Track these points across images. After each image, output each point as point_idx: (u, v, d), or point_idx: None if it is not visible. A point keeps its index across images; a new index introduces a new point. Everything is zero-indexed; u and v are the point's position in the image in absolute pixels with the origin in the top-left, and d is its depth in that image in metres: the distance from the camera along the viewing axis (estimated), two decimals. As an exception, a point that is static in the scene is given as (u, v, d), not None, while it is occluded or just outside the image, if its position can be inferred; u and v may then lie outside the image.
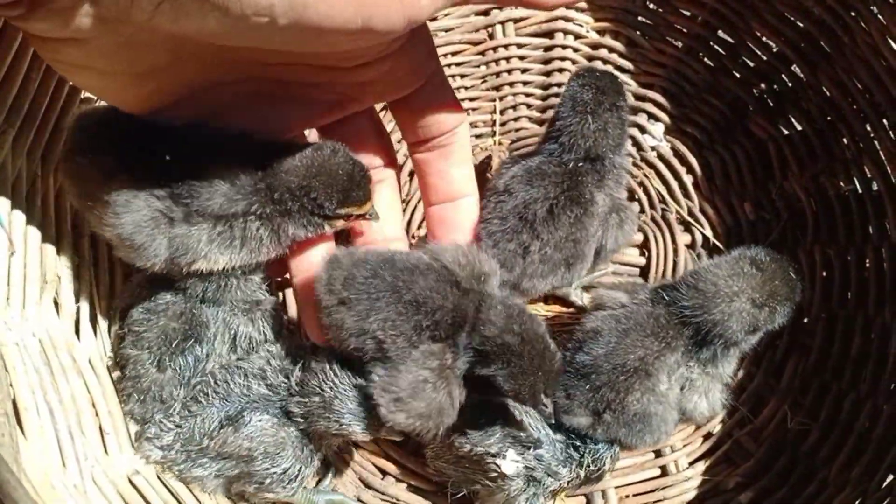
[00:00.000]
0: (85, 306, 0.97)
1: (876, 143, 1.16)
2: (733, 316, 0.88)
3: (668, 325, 0.91)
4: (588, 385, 0.91)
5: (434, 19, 1.34)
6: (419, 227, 1.25)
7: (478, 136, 1.31)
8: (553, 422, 0.92)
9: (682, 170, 1.26)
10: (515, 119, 1.33)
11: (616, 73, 1.17)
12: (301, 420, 0.92)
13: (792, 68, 1.26)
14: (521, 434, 0.94)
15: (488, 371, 0.85)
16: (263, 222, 0.87)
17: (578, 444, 0.96)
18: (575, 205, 0.98)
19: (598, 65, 1.31)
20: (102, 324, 0.99)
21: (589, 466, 0.96)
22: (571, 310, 1.16)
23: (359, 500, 1.08)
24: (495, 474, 0.94)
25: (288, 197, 0.85)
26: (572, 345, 0.95)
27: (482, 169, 1.27)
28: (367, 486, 1.10)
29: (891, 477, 1.01)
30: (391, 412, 0.81)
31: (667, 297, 0.93)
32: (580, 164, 0.99)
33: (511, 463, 0.94)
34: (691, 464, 1.13)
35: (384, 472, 1.12)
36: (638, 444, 0.94)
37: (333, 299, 0.84)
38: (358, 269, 0.84)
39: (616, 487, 1.10)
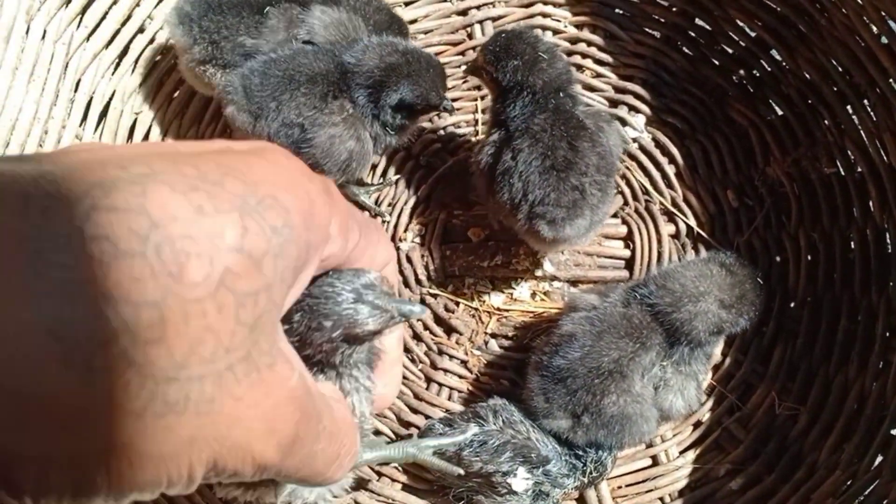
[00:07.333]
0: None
1: (857, 124, 1.16)
2: (699, 316, 0.90)
3: (642, 325, 0.92)
4: (565, 389, 0.93)
5: (413, 21, 1.34)
6: (405, 230, 1.27)
7: (461, 136, 1.32)
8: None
9: (664, 160, 1.26)
10: (498, 117, 1.32)
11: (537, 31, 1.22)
12: None
13: (770, 53, 1.25)
14: (532, 454, 0.97)
15: (396, 97, 1.03)
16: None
17: (581, 452, 0.99)
18: (581, 129, 1.01)
19: (577, 59, 1.31)
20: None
21: (592, 473, 0.99)
22: (556, 307, 1.18)
23: (355, 502, 1.11)
24: (505, 490, 0.97)
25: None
26: (549, 349, 0.97)
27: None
28: (363, 487, 1.12)
29: (880, 458, 1.03)
30: None
31: (638, 296, 0.94)
32: (552, 99, 1.02)
33: (521, 481, 0.96)
34: (682, 452, 1.14)
35: (380, 474, 1.14)
36: (618, 444, 0.96)
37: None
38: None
39: (607, 479, 1.11)
